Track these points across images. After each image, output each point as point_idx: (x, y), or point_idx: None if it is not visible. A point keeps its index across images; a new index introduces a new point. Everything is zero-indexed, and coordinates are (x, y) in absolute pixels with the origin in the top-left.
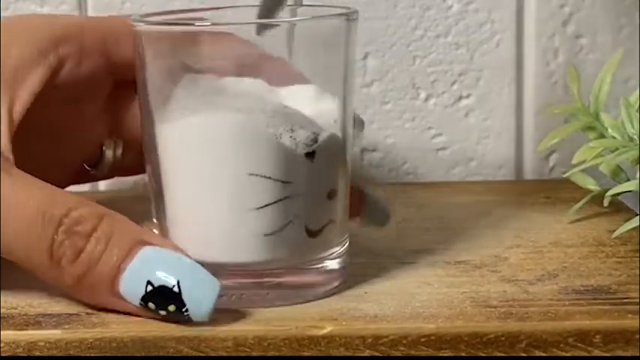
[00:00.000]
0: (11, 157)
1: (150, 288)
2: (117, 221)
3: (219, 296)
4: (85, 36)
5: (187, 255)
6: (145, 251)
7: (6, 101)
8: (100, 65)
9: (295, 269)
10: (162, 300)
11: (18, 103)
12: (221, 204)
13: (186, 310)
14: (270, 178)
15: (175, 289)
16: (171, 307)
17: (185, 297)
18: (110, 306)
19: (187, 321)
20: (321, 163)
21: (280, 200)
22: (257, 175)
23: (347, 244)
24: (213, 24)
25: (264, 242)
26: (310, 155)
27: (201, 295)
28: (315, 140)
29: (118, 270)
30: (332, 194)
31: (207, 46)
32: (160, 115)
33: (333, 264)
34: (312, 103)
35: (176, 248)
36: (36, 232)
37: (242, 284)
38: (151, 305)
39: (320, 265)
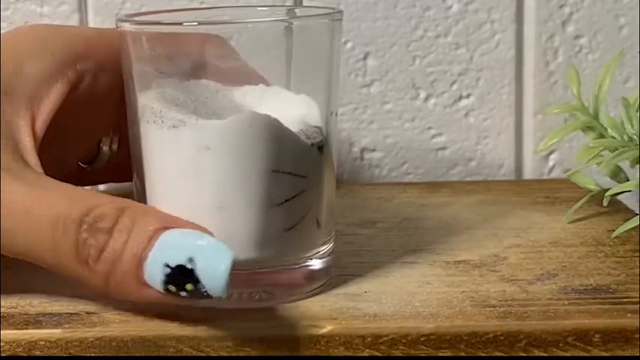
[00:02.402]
0: (41, 171)
1: (168, 270)
2: (138, 212)
3: (232, 269)
4: (103, 50)
5: (206, 231)
6: (164, 236)
7: (29, 119)
8: (116, 78)
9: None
10: (180, 280)
11: (40, 119)
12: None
13: (203, 287)
14: (290, 173)
15: (189, 266)
16: (189, 286)
17: (199, 273)
18: (142, 298)
19: (208, 297)
20: (329, 155)
21: (297, 195)
22: (279, 171)
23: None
24: (200, 23)
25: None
26: (320, 148)
27: (213, 270)
28: (322, 133)
29: (141, 258)
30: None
31: (192, 47)
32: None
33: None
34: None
35: (196, 227)
36: (61, 237)
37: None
38: (172, 288)
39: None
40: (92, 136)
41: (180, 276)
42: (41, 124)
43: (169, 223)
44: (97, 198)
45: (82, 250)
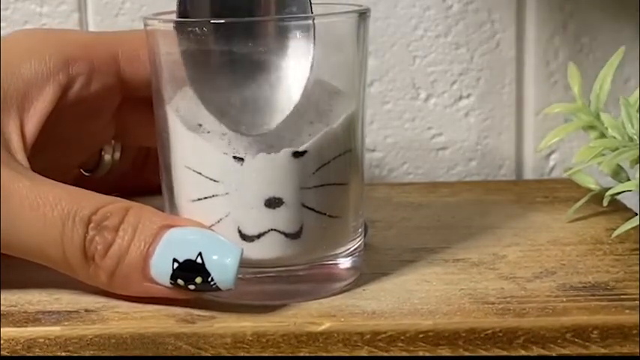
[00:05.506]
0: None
1: (176, 265)
2: (142, 211)
3: (241, 263)
4: (96, 55)
5: (209, 228)
6: (170, 233)
7: (19, 119)
8: (110, 84)
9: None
10: (189, 274)
11: (30, 121)
12: None
13: (212, 280)
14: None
15: (199, 260)
16: (198, 279)
17: (208, 266)
18: (146, 293)
19: (216, 290)
20: (253, 168)
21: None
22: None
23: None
24: (227, 21)
25: None
26: (239, 159)
27: (223, 263)
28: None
29: (146, 255)
30: (271, 203)
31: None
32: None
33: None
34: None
35: (199, 225)
36: (69, 233)
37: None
38: (180, 282)
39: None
40: (93, 143)
41: (189, 270)
42: (32, 126)
43: (172, 221)
44: (103, 198)
45: (88, 248)
